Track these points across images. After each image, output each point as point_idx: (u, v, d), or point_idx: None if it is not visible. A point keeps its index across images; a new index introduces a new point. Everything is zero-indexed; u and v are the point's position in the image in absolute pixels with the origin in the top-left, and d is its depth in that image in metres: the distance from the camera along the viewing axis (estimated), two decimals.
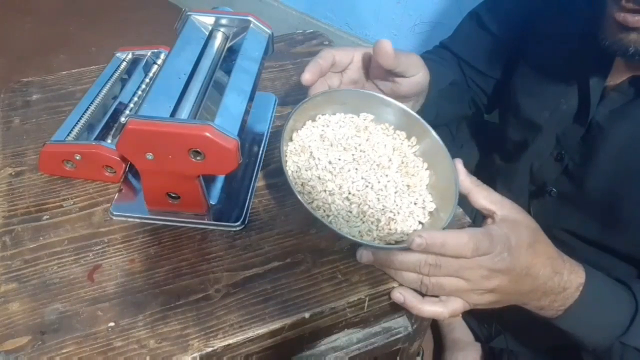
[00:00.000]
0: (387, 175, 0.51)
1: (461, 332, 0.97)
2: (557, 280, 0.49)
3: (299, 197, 0.46)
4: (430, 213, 0.50)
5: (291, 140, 0.53)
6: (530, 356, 0.79)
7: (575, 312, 0.51)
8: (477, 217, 0.68)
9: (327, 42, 0.80)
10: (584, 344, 0.54)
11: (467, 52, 0.78)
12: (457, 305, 0.48)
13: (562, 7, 0.66)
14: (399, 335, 0.55)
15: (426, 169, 0.53)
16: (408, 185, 0.51)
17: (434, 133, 0.52)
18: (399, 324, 0.55)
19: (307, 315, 0.47)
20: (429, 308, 0.48)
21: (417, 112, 0.54)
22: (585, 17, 0.62)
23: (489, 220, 0.48)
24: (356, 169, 0.51)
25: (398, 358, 0.62)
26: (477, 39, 0.76)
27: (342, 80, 0.58)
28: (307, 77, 0.54)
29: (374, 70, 0.58)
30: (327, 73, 0.56)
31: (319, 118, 0.54)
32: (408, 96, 0.60)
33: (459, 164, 0.50)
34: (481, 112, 0.83)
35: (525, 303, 0.51)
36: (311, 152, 0.51)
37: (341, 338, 0.53)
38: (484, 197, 0.49)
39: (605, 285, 0.53)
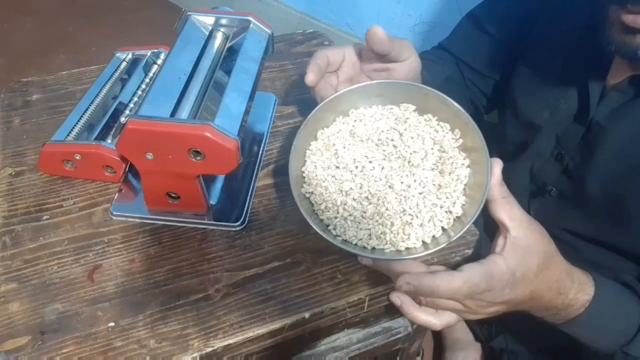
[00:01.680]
0: (414, 174, 0.48)
1: (461, 332, 0.97)
2: (561, 299, 0.49)
3: (297, 201, 0.45)
4: (458, 218, 0.47)
5: (315, 138, 0.52)
6: (530, 356, 0.79)
7: (578, 323, 0.51)
8: (477, 219, 0.67)
9: (327, 42, 0.80)
10: (587, 347, 0.54)
11: (465, 53, 0.77)
12: (451, 318, 0.48)
13: (559, 8, 0.66)
14: (399, 335, 0.55)
15: (467, 167, 0.49)
16: (440, 185, 0.48)
17: (474, 125, 0.48)
18: (399, 324, 0.55)
19: (307, 315, 0.47)
20: (424, 317, 0.47)
21: None
22: (583, 16, 0.62)
23: (500, 243, 0.46)
24: (382, 167, 0.49)
25: (398, 358, 0.62)
26: (475, 40, 0.76)
27: (338, 79, 0.58)
28: (310, 77, 0.53)
29: (366, 62, 0.58)
30: (325, 73, 0.56)
31: (352, 112, 0.53)
32: None
33: (496, 167, 0.46)
34: (480, 113, 0.83)
35: (525, 312, 0.51)
36: (336, 151, 0.50)
37: (341, 338, 0.53)
38: (505, 211, 0.46)
39: (614, 297, 0.52)
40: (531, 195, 0.71)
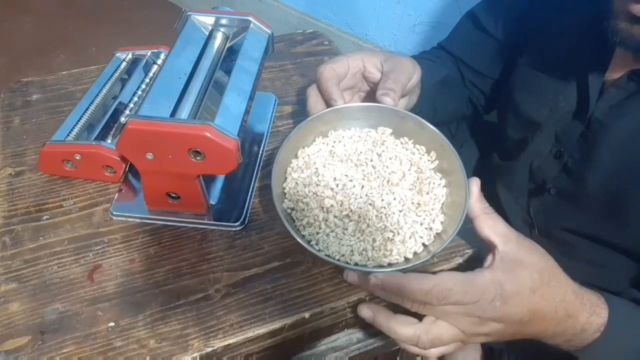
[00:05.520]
0: (393, 193, 0.49)
1: None
2: (571, 322, 0.47)
3: (282, 217, 0.45)
4: (438, 235, 0.47)
5: (296, 157, 0.52)
6: (531, 357, 0.79)
7: (595, 349, 0.49)
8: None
9: (326, 42, 0.80)
10: None
11: (464, 53, 0.77)
12: (443, 349, 0.46)
13: (558, 4, 0.66)
14: None
15: (444, 187, 0.50)
16: (419, 204, 0.48)
17: (451, 148, 0.50)
18: None
19: (307, 315, 0.47)
20: (402, 330, 0.46)
21: (415, 108, 0.53)
22: (583, 12, 0.62)
23: (489, 258, 0.45)
24: (362, 185, 0.49)
25: (398, 358, 0.62)
26: (474, 39, 0.76)
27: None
28: (341, 102, 0.53)
29: (371, 75, 0.58)
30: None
31: (331, 134, 0.54)
32: (405, 95, 0.60)
33: (474, 185, 0.47)
34: (479, 113, 0.83)
35: (535, 339, 0.49)
36: (316, 169, 0.51)
37: (341, 338, 0.53)
38: (488, 226, 0.45)
39: (629, 318, 0.50)
40: (530, 194, 0.71)
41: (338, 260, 0.46)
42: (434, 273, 0.47)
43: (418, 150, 0.52)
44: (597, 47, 0.58)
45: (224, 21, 0.57)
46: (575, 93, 0.63)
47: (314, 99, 0.56)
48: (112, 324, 0.46)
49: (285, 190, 0.50)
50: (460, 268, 0.51)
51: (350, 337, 0.54)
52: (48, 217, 0.54)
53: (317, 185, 0.50)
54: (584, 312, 0.47)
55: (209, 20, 0.57)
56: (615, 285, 0.59)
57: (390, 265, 0.46)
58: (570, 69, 0.63)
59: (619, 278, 0.62)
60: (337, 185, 0.49)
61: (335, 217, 0.48)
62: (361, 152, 0.52)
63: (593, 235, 0.64)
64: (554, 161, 0.66)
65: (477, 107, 0.81)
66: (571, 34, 0.64)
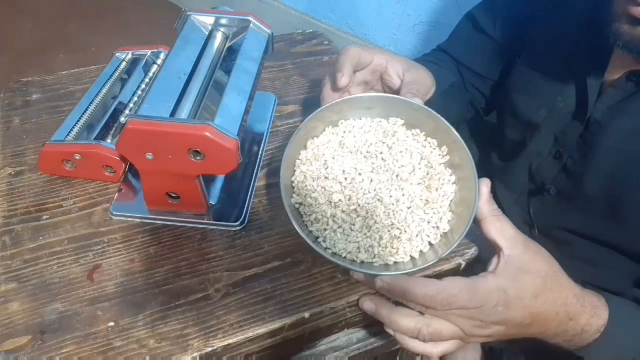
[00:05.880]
0: (402, 189, 0.48)
1: None
2: (572, 325, 0.47)
3: (289, 212, 0.45)
4: (445, 234, 0.47)
5: (305, 148, 0.52)
6: (531, 356, 0.79)
7: (595, 348, 0.49)
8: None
9: (327, 42, 0.80)
10: None
11: (465, 56, 0.78)
12: (448, 346, 0.47)
13: (557, 6, 0.66)
14: None
15: (453, 183, 0.49)
16: (427, 201, 0.48)
17: (463, 144, 0.49)
18: None
19: (307, 315, 0.47)
20: (405, 323, 0.46)
21: None
22: (581, 14, 0.62)
23: (494, 262, 0.45)
24: (371, 180, 0.49)
25: (398, 358, 0.62)
26: (474, 42, 0.76)
27: (352, 81, 0.57)
28: (345, 80, 0.53)
29: (389, 78, 0.59)
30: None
31: (342, 123, 0.53)
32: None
33: (484, 187, 0.46)
34: (479, 115, 0.83)
35: (536, 339, 0.50)
36: (325, 161, 0.50)
37: (341, 338, 0.53)
38: (496, 229, 0.45)
39: (630, 319, 0.50)
40: (530, 195, 0.71)
41: (345, 257, 0.45)
42: (437, 274, 0.47)
43: (430, 143, 0.52)
44: (595, 48, 0.58)
45: (224, 21, 0.57)
46: (574, 94, 0.63)
47: (328, 88, 0.56)
48: (112, 324, 0.46)
49: (294, 184, 0.50)
50: (459, 268, 0.52)
51: (350, 337, 0.54)
52: (48, 217, 0.54)
53: (326, 178, 0.49)
54: (584, 314, 0.47)
55: (209, 20, 0.57)
56: (616, 285, 0.59)
57: (396, 264, 0.46)
58: (568, 70, 0.63)
59: (619, 278, 0.62)
60: (346, 179, 0.49)
61: (343, 212, 0.47)
62: (371, 144, 0.51)
63: (593, 236, 0.64)
64: (554, 162, 0.67)
65: (478, 110, 0.82)
66: (570, 35, 0.64)
